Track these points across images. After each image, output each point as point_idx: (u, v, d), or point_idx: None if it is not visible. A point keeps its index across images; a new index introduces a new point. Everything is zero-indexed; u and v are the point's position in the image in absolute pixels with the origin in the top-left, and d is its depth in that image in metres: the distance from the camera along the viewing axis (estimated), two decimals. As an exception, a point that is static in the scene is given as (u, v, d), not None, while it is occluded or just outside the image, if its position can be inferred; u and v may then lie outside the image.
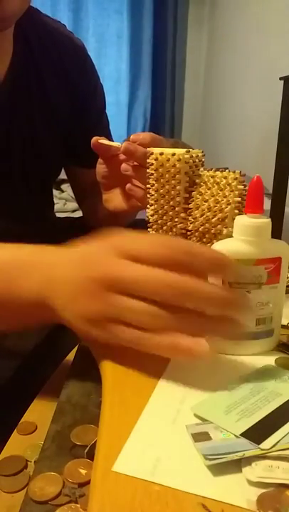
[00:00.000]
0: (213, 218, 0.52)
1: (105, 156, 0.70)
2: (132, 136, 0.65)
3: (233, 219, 0.45)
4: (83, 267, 0.41)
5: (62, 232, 0.92)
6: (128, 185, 0.68)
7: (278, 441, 0.33)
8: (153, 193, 0.56)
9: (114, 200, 0.73)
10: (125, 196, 0.71)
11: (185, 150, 0.54)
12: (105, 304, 0.39)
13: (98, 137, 0.68)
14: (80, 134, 0.82)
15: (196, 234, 0.54)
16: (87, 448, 0.40)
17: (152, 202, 0.57)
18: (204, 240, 0.53)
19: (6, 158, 0.76)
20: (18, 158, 0.78)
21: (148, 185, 0.57)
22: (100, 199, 0.77)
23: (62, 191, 2.28)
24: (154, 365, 0.44)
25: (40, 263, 0.44)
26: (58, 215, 1.03)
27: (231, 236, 0.45)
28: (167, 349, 0.38)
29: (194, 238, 0.54)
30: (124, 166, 0.67)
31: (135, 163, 0.66)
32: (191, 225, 0.54)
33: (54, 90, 0.79)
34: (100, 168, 0.73)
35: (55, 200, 2.27)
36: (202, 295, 0.37)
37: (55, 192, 2.18)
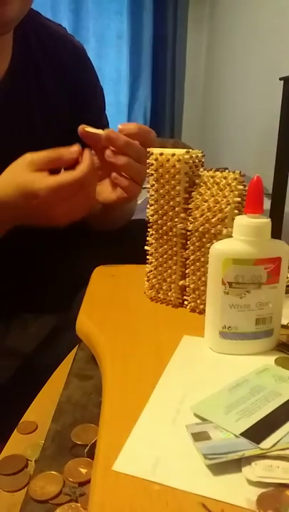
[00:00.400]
0: (213, 218, 0.52)
1: (95, 145, 0.69)
2: (119, 126, 0.65)
3: (233, 219, 0.45)
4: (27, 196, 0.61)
5: (60, 232, 0.92)
6: (113, 174, 0.67)
7: (278, 441, 0.33)
8: (153, 193, 0.56)
9: (103, 191, 0.73)
10: (113, 187, 0.71)
11: (185, 150, 0.54)
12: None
13: (85, 125, 0.67)
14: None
15: (196, 234, 0.54)
16: (88, 447, 0.40)
17: (152, 202, 0.57)
18: (204, 239, 0.53)
19: (6, 157, 0.77)
20: (17, 157, 0.78)
21: (148, 185, 0.57)
22: None
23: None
24: (154, 365, 0.44)
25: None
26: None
27: (231, 236, 0.45)
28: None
29: (194, 238, 0.54)
30: (107, 152, 0.66)
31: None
32: (191, 225, 0.54)
33: (54, 90, 0.79)
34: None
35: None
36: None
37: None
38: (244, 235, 0.44)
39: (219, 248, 0.45)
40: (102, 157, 0.70)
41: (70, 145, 0.87)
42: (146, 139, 0.66)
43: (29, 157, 0.62)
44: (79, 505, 0.35)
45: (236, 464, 0.31)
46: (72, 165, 0.62)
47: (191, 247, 0.55)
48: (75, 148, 0.62)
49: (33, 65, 0.77)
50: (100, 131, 0.66)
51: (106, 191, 0.72)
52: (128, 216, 0.87)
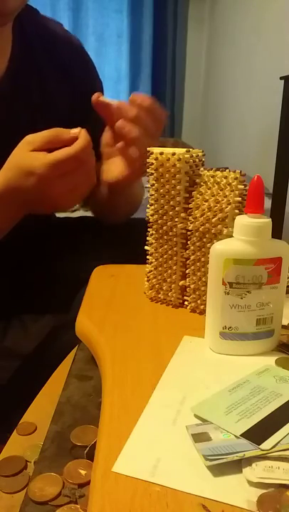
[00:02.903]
0: (213, 218, 0.52)
1: (106, 116, 0.68)
2: (131, 96, 0.63)
3: (234, 219, 0.45)
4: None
5: (60, 232, 0.92)
6: (121, 143, 0.63)
7: (278, 442, 0.33)
8: (153, 192, 0.56)
9: (114, 169, 0.71)
10: (126, 161, 0.69)
11: (185, 149, 0.54)
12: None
13: (99, 93, 0.66)
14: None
15: (196, 234, 0.54)
16: (87, 448, 0.40)
17: (152, 201, 0.57)
18: (204, 239, 0.53)
19: (6, 152, 0.76)
20: None
21: (148, 185, 0.57)
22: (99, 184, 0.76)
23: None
24: (154, 366, 0.44)
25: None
26: (57, 215, 1.03)
27: (232, 236, 0.45)
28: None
29: (194, 238, 0.54)
30: (120, 122, 0.63)
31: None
32: (192, 225, 0.54)
33: (54, 87, 0.79)
34: (105, 135, 0.72)
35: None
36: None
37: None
38: (245, 235, 0.44)
39: (220, 248, 0.45)
40: (113, 132, 0.68)
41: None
42: (157, 116, 0.64)
43: (29, 138, 0.62)
44: (78, 506, 0.35)
45: (237, 465, 0.31)
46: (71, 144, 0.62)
47: (192, 247, 0.55)
48: (75, 130, 0.61)
49: (33, 63, 0.78)
50: (113, 101, 0.64)
51: (117, 169, 0.71)
52: (133, 203, 0.85)
